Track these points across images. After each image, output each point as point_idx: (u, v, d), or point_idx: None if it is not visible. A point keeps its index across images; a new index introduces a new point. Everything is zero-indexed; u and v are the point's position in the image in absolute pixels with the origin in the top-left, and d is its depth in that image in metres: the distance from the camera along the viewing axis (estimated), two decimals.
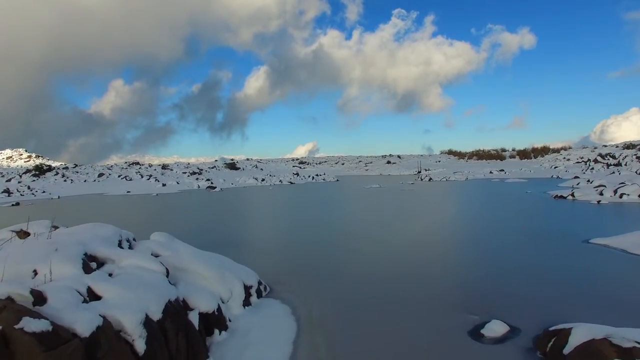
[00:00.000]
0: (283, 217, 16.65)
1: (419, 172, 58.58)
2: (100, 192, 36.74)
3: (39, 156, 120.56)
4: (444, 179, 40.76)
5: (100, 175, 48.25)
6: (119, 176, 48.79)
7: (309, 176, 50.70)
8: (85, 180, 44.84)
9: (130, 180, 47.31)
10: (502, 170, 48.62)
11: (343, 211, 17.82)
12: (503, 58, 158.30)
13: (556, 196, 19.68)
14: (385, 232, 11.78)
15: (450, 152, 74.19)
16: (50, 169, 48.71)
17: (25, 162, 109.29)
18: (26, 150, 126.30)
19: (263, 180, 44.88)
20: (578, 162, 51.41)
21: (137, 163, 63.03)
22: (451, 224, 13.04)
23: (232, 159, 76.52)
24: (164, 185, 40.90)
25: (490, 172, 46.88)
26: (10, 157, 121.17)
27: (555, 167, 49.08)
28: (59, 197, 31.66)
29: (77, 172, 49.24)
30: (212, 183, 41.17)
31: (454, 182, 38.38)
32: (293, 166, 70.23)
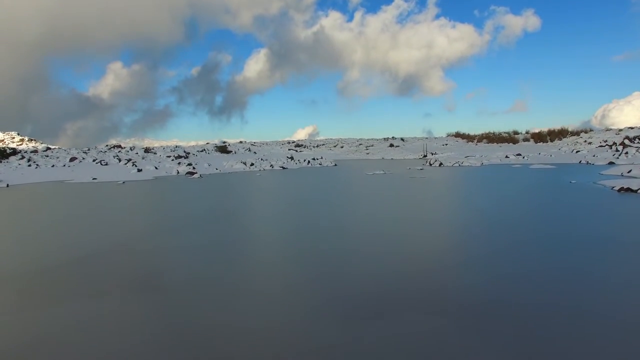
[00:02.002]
0: (250, 223, 11.99)
1: (425, 155, 53.86)
2: (64, 179, 32.02)
3: (32, 139, 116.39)
4: (457, 164, 35.99)
5: (73, 159, 43.44)
6: (94, 160, 44.05)
7: (305, 160, 45.94)
8: (53, 166, 40.07)
9: (106, 164, 42.61)
10: (519, 154, 43.79)
11: (340, 211, 13.13)
12: (507, 41, 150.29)
13: (621, 189, 14.98)
14: (409, 254, 7.09)
15: (457, 135, 69.05)
16: (15, 152, 43.83)
17: (17, 145, 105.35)
18: (18, 134, 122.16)
19: (252, 165, 40.14)
20: (602, 146, 46.58)
21: (119, 146, 58.26)
22: (507, 238, 8.36)
23: (224, 142, 71.86)
24: (139, 170, 36.19)
25: (507, 157, 42.08)
26: (2, 140, 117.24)
27: (577, 152, 44.27)
28: (7, 185, 26.94)
29: (47, 157, 44.41)
30: (193, 168, 36.46)
31: (469, 167, 33.62)
32: (289, 149, 65.35)
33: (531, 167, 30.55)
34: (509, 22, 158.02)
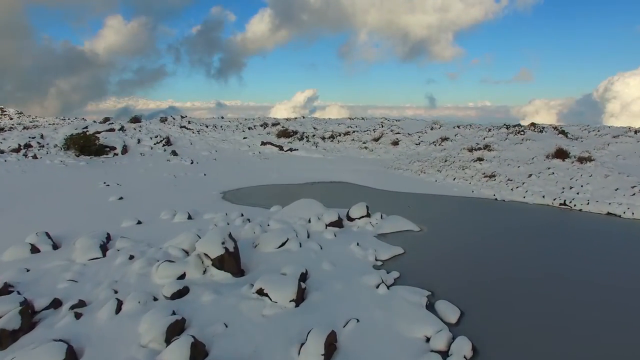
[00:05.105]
0: None
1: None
2: None
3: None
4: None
5: None
6: (24, 154, 33.21)
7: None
8: None
9: (36, 158, 31.80)
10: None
11: None
12: (524, 4, 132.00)
13: None
14: None
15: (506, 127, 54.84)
16: None
17: None
18: None
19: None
20: None
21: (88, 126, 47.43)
22: None
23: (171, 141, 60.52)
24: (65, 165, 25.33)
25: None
26: None
27: None
28: None
29: None
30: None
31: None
32: (263, 142, 45.57)
33: None
34: None
